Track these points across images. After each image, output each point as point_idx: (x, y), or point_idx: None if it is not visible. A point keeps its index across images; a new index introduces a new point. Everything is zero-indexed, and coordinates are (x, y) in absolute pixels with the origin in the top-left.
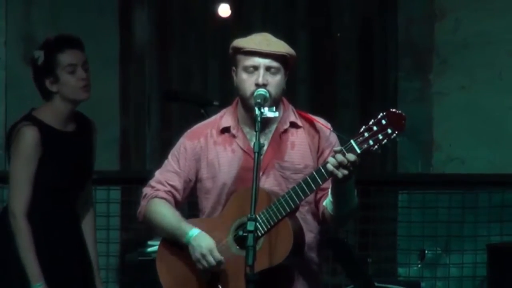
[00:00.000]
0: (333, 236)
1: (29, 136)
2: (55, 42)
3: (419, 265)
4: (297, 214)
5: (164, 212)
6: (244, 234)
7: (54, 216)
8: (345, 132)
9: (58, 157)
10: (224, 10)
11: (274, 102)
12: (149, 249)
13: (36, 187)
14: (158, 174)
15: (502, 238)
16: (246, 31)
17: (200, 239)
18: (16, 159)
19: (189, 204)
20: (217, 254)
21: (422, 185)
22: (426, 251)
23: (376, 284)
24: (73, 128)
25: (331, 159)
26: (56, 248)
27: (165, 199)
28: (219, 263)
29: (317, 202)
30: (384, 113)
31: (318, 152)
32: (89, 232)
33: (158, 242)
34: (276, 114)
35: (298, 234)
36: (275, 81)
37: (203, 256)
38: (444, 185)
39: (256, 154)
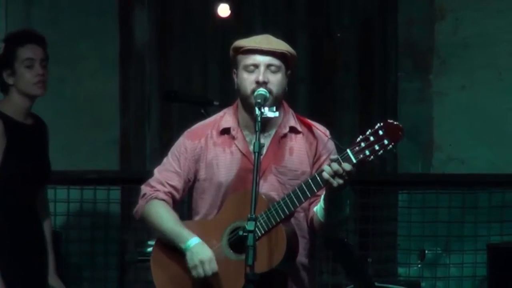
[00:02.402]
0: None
1: None
2: (17, 36)
3: (419, 265)
4: (293, 220)
5: (164, 216)
6: (244, 234)
7: (16, 210)
8: (344, 133)
9: (20, 148)
10: (223, 10)
11: (275, 102)
12: (149, 249)
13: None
14: (157, 173)
15: (502, 238)
16: (246, 32)
17: (200, 248)
18: None
19: (189, 203)
20: (215, 265)
21: (422, 185)
22: (426, 251)
23: (376, 284)
24: (32, 122)
25: (326, 168)
26: (16, 242)
27: (164, 200)
28: (214, 275)
29: (307, 208)
30: (381, 124)
31: (315, 158)
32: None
33: None
34: (276, 114)
35: (292, 239)
36: (276, 79)
37: (202, 263)
38: (444, 185)
39: (256, 154)
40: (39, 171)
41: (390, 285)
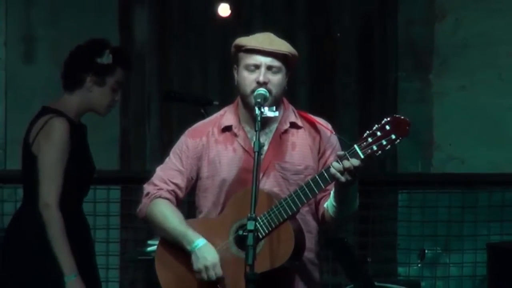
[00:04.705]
0: (333, 236)
1: (62, 127)
2: (126, 58)
3: (419, 265)
4: (298, 215)
5: (169, 216)
6: (244, 233)
7: (77, 212)
8: (345, 132)
9: (82, 149)
10: (223, 10)
11: (275, 102)
12: (149, 249)
13: (65, 181)
14: (160, 171)
15: (502, 237)
16: (246, 31)
17: (206, 251)
18: (51, 150)
19: (188, 203)
20: (219, 270)
21: (422, 185)
22: (426, 251)
23: (376, 284)
24: (80, 123)
25: (334, 164)
26: (79, 245)
27: (168, 199)
28: (219, 279)
29: (317, 203)
30: (388, 119)
31: (319, 153)
32: None
33: (157, 242)
34: (276, 113)
35: (299, 236)
36: (276, 80)
37: (206, 268)
38: (444, 185)
39: (256, 153)
40: (92, 171)
41: (390, 285)
